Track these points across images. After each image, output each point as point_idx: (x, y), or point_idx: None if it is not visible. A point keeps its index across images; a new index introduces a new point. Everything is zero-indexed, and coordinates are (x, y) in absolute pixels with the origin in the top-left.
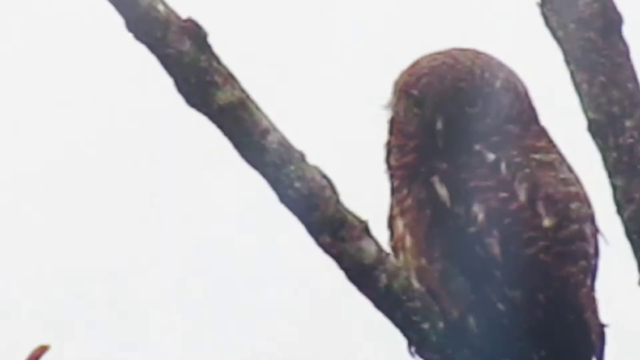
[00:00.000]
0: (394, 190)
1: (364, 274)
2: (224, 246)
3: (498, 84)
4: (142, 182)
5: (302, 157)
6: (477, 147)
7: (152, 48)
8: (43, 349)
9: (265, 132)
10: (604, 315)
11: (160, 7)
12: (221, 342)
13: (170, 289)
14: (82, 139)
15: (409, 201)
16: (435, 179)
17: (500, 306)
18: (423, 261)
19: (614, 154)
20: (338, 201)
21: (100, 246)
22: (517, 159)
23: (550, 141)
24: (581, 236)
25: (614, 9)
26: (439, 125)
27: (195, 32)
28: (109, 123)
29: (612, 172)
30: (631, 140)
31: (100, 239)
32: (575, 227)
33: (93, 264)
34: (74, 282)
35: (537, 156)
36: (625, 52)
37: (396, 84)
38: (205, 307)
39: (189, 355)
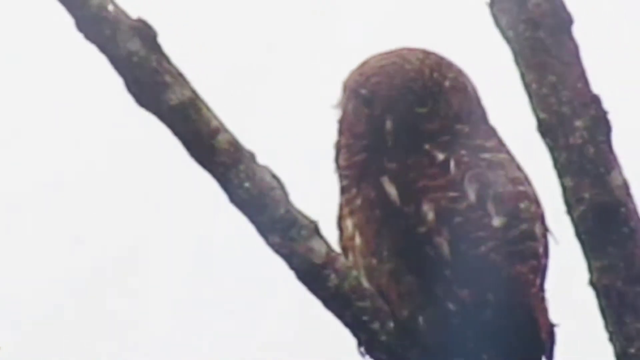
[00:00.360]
0: (343, 190)
1: (313, 273)
2: (227, 245)
3: (447, 83)
4: (143, 180)
5: (252, 157)
6: (427, 146)
7: (102, 48)
8: None
9: (215, 132)
10: (553, 315)
11: (110, 7)
12: (223, 340)
13: (173, 289)
14: (83, 137)
15: (358, 201)
16: (385, 179)
17: (450, 306)
18: (373, 261)
19: (564, 154)
20: (288, 201)
21: (100, 245)
22: (467, 159)
23: (500, 141)
24: (531, 236)
25: (563, 8)
26: (388, 125)
27: (145, 32)
28: (111, 120)
29: (562, 172)
30: (581, 140)
31: (101, 237)
32: (524, 226)
33: (92, 264)
34: (74, 282)
35: (486, 156)
36: (575, 52)
37: (345, 83)
38: (209, 306)
39: (190, 353)
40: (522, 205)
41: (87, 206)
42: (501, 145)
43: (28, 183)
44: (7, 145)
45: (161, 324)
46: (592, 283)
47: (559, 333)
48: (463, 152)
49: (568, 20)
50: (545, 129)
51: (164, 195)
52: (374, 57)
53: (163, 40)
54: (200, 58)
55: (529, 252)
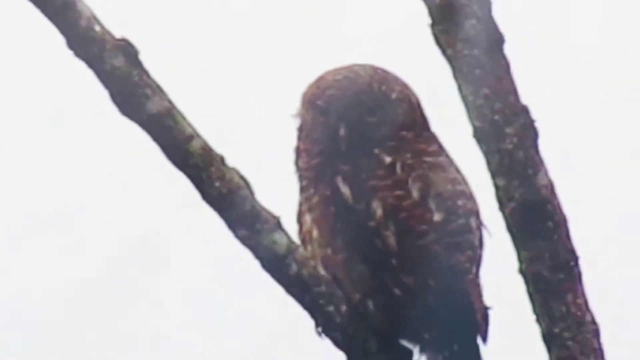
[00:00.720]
0: (302, 189)
1: (276, 262)
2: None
3: (394, 95)
4: (155, 179)
5: (222, 160)
6: (376, 151)
7: (90, 64)
8: None
9: (189, 138)
10: (488, 299)
11: (97, 28)
12: (226, 339)
13: (182, 288)
14: (96, 135)
15: (315, 199)
16: (339, 179)
17: (396, 291)
18: (328, 251)
19: (497, 158)
20: (254, 198)
21: (112, 246)
22: (411, 162)
23: (440, 146)
24: (467, 229)
25: (496, 29)
26: (342, 132)
27: (128, 50)
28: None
29: (494, 174)
30: (511, 145)
31: (113, 239)
32: (462, 221)
33: (97, 263)
34: (80, 281)
35: (428, 159)
36: (506, 67)
37: (304, 95)
38: (219, 305)
39: (196, 350)
40: (459, 202)
41: (95, 200)
42: (441, 150)
43: (36, 189)
44: (15, 149)
45: (171, 320)
46: (522, 271)
47: (492, 315)
48: (408, 155)
49: (500, 40)
50: (480, 136)
51: (174, 191)
52: (329, 72)
53: (158, 54)
54: (202, 60)
55: (466, 243)
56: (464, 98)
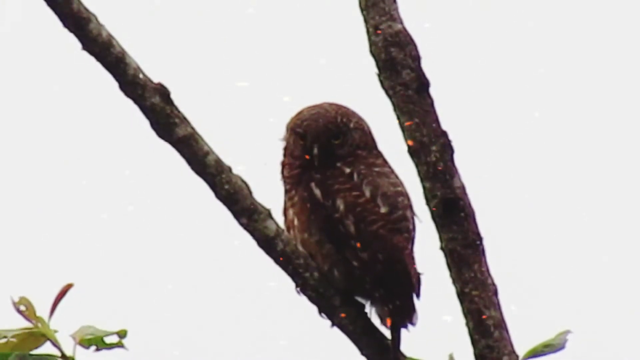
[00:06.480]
0: (286, 192)
1: (268, 242)
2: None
3: (351, 125)
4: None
5: (229, 169)
6: (339, 164)
7: (136, 101)
8: (68, 287)
9: (206, 154)
10: (420, 267)
11: (141, 76)
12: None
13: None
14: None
15: (296, 198)
16: (313, 184)
17: (355, 263)
18: (305, 235)
19: (424, 167)
20: (252, 196)
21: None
22: (364, 171)
23: (385, 159)
24: (404, 218)
25: (424, 76)
26: (315, 151)
27: (162, 91)
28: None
29: (423, 179)
30: (434, 159)
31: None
32: (400, 212)
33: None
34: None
35: (376, 169)
36: (431, 104)
37: (288, 125)
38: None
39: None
40: (399, 199)
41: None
42: (385, 162)
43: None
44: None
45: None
46: (442, 248)
47: (423, 279)
48: (362, 167)
49: (427, 84)
50: (412, 152)
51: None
52: (305, 108)
53: (175, 94)
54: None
55: (403, 228)
56: (401, 125)
